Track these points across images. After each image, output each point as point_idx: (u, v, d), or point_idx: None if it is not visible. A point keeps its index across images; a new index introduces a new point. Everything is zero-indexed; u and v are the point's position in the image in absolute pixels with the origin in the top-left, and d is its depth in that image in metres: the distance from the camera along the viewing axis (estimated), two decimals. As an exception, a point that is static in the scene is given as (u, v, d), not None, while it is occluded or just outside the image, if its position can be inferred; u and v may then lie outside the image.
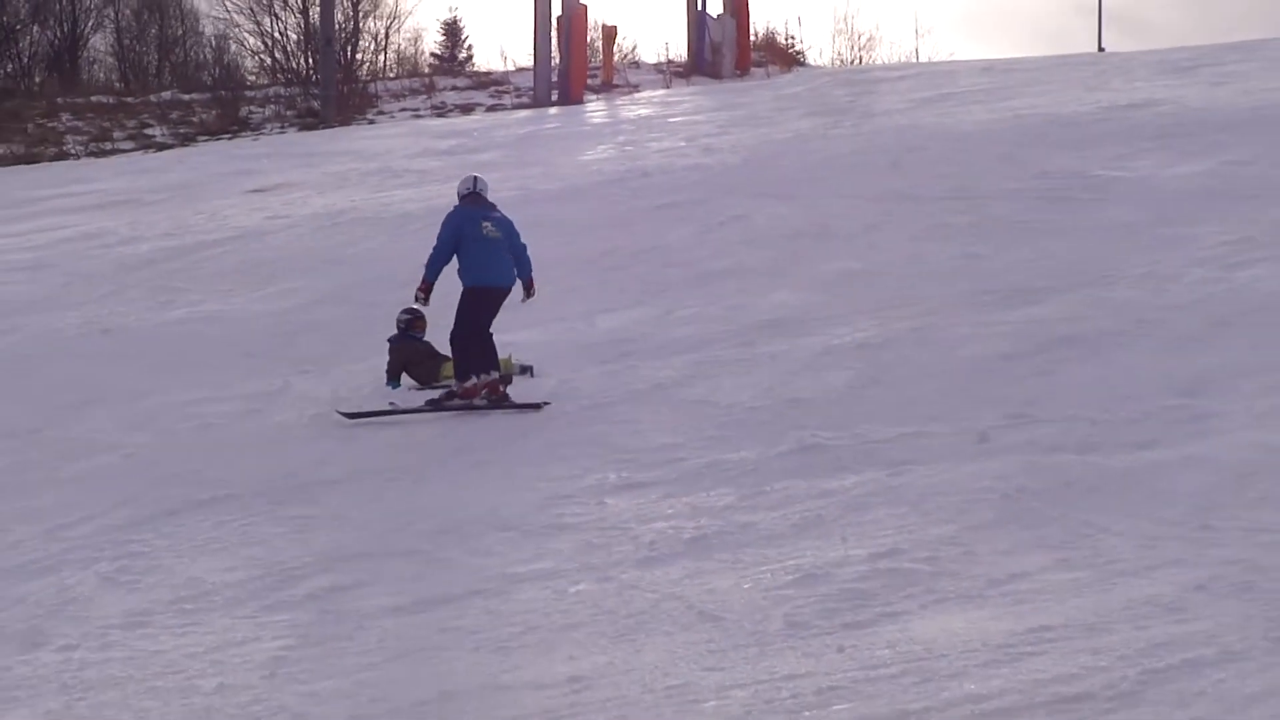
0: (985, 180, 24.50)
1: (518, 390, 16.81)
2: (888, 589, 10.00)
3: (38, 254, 25.20)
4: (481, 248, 16.24)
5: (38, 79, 50.53)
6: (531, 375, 16.95)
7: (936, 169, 25.88)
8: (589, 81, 40.58)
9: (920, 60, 50.90)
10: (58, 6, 55.04)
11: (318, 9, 45.31)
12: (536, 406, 16.15)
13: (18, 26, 54.19)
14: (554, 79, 40.73)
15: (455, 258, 16.44)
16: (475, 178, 17.23)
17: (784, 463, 13.06)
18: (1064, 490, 11.56)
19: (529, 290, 16.92)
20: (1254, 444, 12.25)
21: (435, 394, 16.77)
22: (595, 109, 40.37)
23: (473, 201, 16.59)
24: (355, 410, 16.47)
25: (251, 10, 48.80)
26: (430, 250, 16.72)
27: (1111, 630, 8.70)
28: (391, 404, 16.56)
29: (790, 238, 22.14)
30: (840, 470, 12.61)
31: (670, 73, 44.65)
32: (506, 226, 16.54)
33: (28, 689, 9.86)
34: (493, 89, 45.28)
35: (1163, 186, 22.15)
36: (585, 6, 41.10)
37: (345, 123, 39.09)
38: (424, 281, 16.36)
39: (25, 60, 53.07)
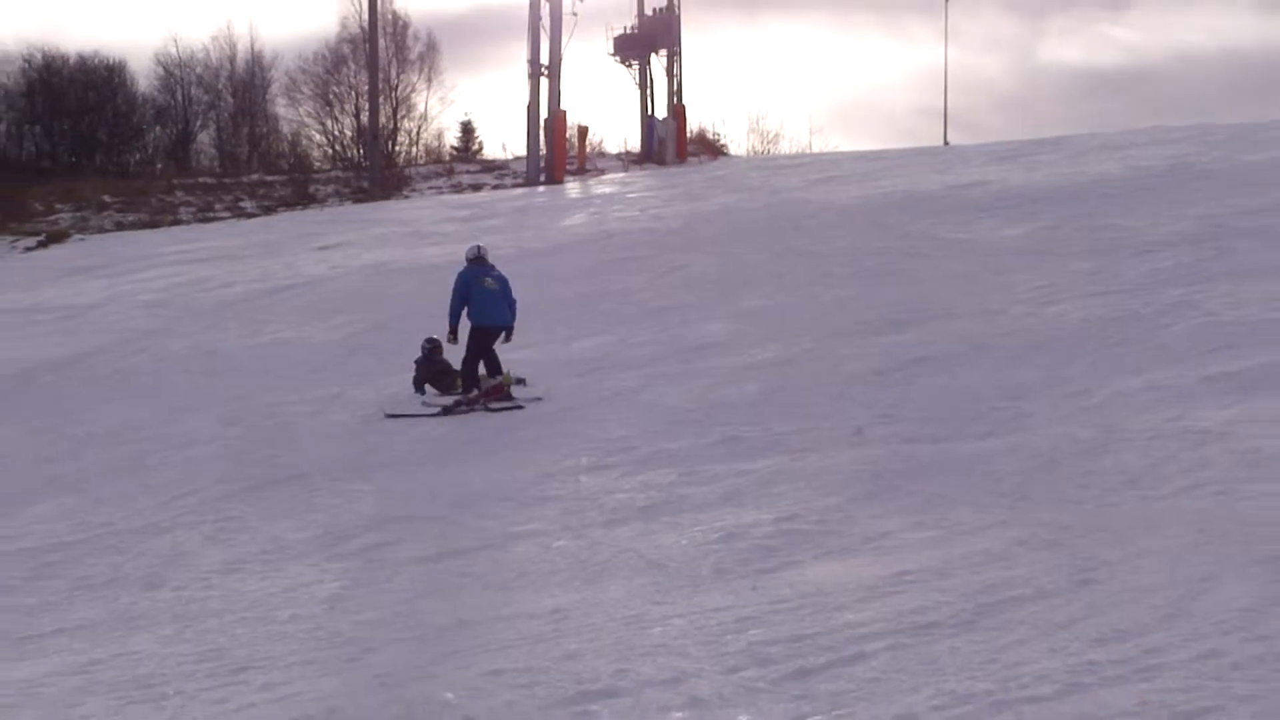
0: (861, 240, 24.68)
1: (515, 394, 16.75)
2: (788, 544, 10.04)
3: (158, 295, 25.31)
4: (484, 297, 16.60)
5: (159, 165, 50.67)
6: (525, 385, 16.75)
7: (825, 232, 26.11)
8: (567, 167, 40.63)
9: (813, 151, 51.07)
10: (174, 112, 54.97)
11: (366, 113, 45.67)
12: (522, 406, 16.08)
13: (144, 127, 54.20)
14: (541, 165, 40.82)
15: (467, 305, 16.70)
16: (478, 245, 17.61)
17: (711, 450, 13.13)
18: (919, 471, 11.64)
19: (508, 337, 17.06)
20: (1061, 435, 12.45)
21: (449, 401, 16.60)
22: (572, 187, 40.59)
23: (477, 263, 16.84)
24: (396, 412, 16.35)
25: (317, 114, 49.04)
26: (449, 301, 16.80)
27: (954, 575, 8.76)
28: (424, 404, 16.51)
29: (717, 282, 22.21)
30: (754, 455, 12.73)
31: (628, 160, 44.59)
32: (503, 281, 16.92)
33: (149, 619, 9.90)
34: (496, 172, 45.22)
35: (992, 245, 22.33)
36: (564, 111, 41.15)
37: (387, 197, 39.06)
38: (450, 328, 16.67)
39: (150, 151, 53.19)
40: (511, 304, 17.17)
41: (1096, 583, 8.24)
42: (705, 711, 7.25)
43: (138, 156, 53.34)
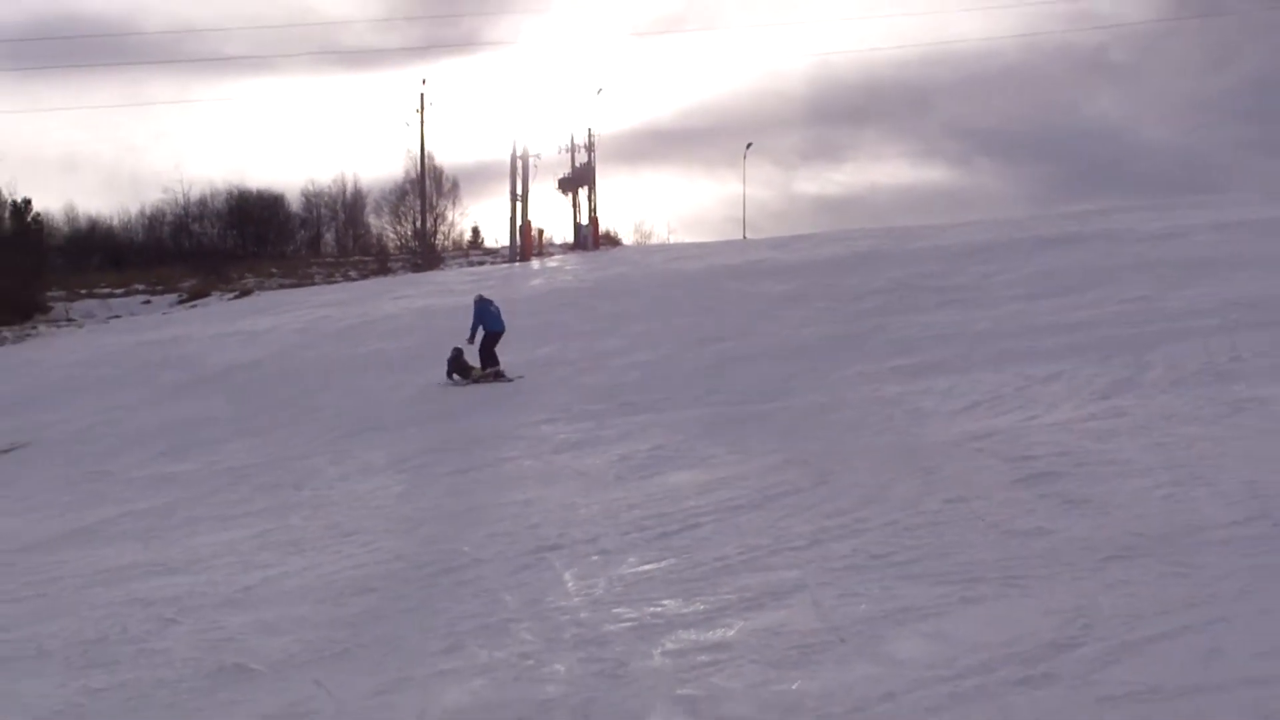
0: (697, 292, 23.80)
1: (509, 376, 16.43)
2: (657, 462, 9.77)
3: (302, 325, 24.53)
4: (491, 318, 16.28)
5: (302, 251, 51.75)
6: (508, 377, 16.59)
7: (676, 288, 24.81)
8: (532, 252, 40.40)
9: (670, 242, 50.91)
10: (311, 221, 55.35)
11: (419, 221, 46.70)
12: (511, 379, 15.54)
13: (293, 230, 55.24)
14: (517, 250, 40.73)
15: (481, 323, 16.36)
16: (482, 294, 17.15)
17: (613, 410, 12.81)
18: (732, 422, 11.36)
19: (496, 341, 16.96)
20: (810, 402, 12.02)
21: (474, 379, 15.97)
22: (534, 264, 40.16)
23: (484, 301, 16.47)
24: (448, 381, 16.14)
25: (391, 222, 48.96)
26: (470, 321, 16.42)
27: (750, 479, 8.50)
28: (454, 382, 15.89)
29: (617, 314, 21.29)
30: (638, 413, 12.43)
31: (565, 248, 44.19)
32: (499, 308, 16.55)
33: (297, 507, 9.72)
34: (492, 255, 44.42)
35: (771, 295, 21.29)
36: (530, 220, 41.04)
37: (430, 269, 38.84)
38: (470, 336, 16.20)
39: (297, 243, 53.59)
40: (504, 321, 16.99)
41: (827, 484, 7.99)
42: (610, 556, 7.10)
43: (290, 246, 53.93)
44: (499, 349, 16.44)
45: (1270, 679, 4.32)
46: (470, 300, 17.60)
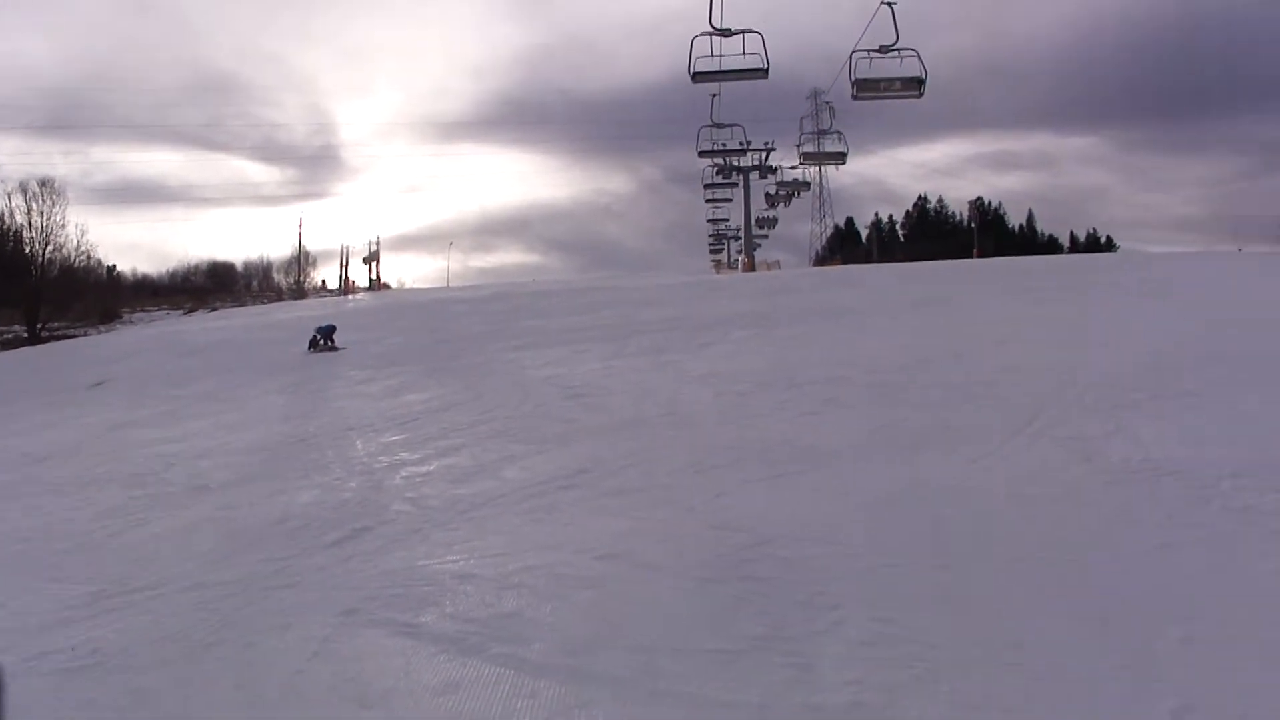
0: (426, 311, 28.80)
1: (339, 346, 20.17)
2: (403, 388, 13.60)
3: (243, 324, 31.02)
4: (328, 325, 20.72)
5: (241, 290, 78.24)
6: (337, 348, 20.24)
7: (409, 309, 30.94)
8: (350, 291, 59.38)
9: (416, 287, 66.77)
10: (247, 275, 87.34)
11: (298, 278, 63.94)
12: (339, 349, 19.76)
13: (237, 280, 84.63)
14: (343, 290, 54.78)
15: (324, 326, 20.61)
16: (328, 321, 21.49)
17: (384, 366, 16.82)
18: (439, 372, 14.89)
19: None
20: (475, 363, 15.71)
21: (315, 349, 20.15)
22: (350, 298, 48.48)
23: (329, 324, 20.80)
24: (309, 351, 20.31)
25: (284, 278, 77.79)
26: (323, 326, 20.57)
27: (441, 398, 12.25)
28: (311, 350, 20.27)
29: (386, 320, 26.57)
30: (395, 366, 16.22)
31: (365, 290, 61.77)
32: (333, 324, 21.04)
33: (233, 409, 13.41)
34: (331, 293, 69.96)
35: (458, 312, 26.44)
36: (349, 276, 62.10)
37: (302, 299, 56.16)
38: (320, 333, 20.38)
39: (239, 287, 79.79)
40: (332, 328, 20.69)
41: (480, 400, 11.64)
42: (379, 432, 10.24)
43: (236, 288, 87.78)
44: (337, 336, 20.77)
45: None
46: (322, 317, 23.66)
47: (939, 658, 4.27)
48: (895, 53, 29.69)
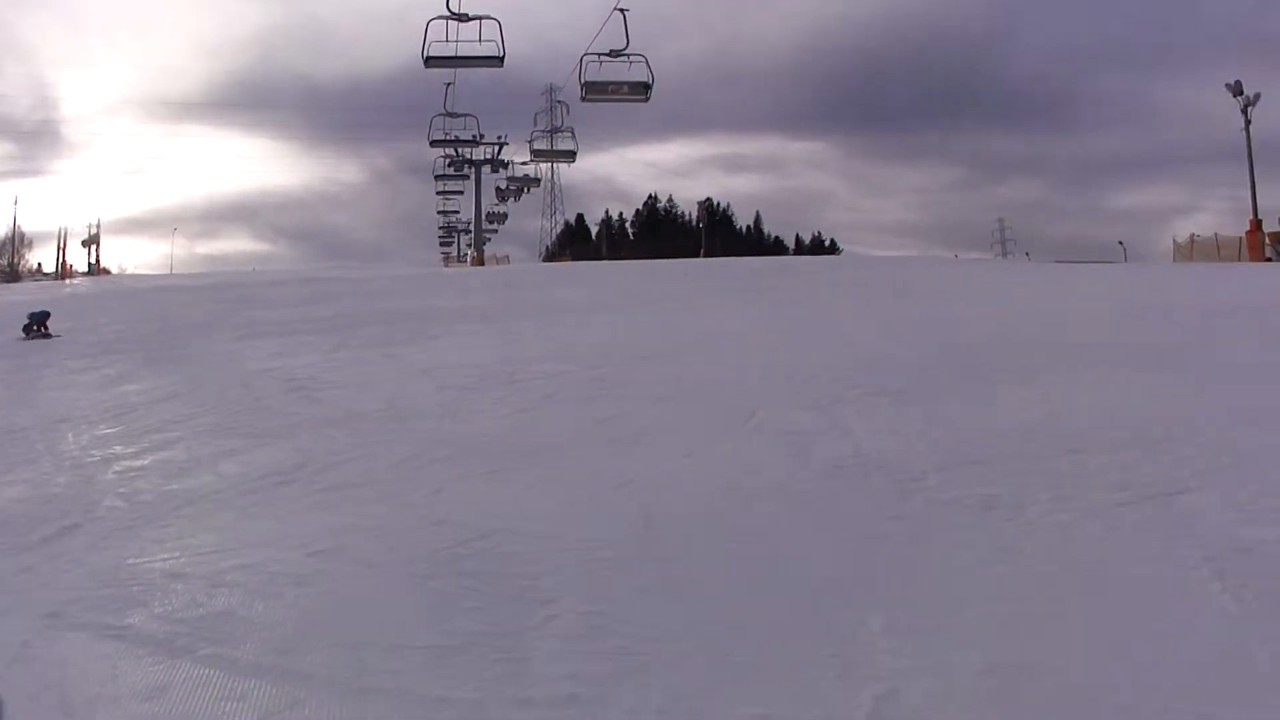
0: (140, 299, 28.26)
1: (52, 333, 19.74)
2: (121, 379, 13.84)
3: None
4: (42, 310, 20.24)
5: None
6: (52, 335, 19.69)
7: (137, 296, 30.02)
8: (68, 276, 57.95)
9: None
10: None
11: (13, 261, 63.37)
12: (54, 337, 19.22)
13: None
14: (60, 275, 45.12)
15: (38, 312, 20.03)
16: (41, 307, 20.62)
17: (101, 354, 16.29)
18: (159, 360, 15.25)
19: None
20: (203, 350, 16.08)
21: (28, 335, 19.03)
22: (68, 283, 47.83)
23: (43, 310, 20.08)
24: (23, 337, 19.16)
25: None
26: (36, 312, 19.80)
27: (160, 390, 12.22)
28: (23, 336, 19.40)
29: (97, 306, 26.50)
30: (114, 354, 16.00)
31: (83, 275, 63.89)
32: (48, 309, 21.27)
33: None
34: (48, 276, 66.99)
35: (175, 300, 26.92)
36: (67, 260, 57.45)
37: (16, 282, 49.55)
38: (35, 319, 19.47)
39: None
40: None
41: (200, 389, 11.81)
42: (92, 425, 10.07)
43: None
44: (51, 323, 19.54)
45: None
46: (36, 302, 22.50)
47: (652, 650, 4.46)
48: (625, 57, 30.50)
